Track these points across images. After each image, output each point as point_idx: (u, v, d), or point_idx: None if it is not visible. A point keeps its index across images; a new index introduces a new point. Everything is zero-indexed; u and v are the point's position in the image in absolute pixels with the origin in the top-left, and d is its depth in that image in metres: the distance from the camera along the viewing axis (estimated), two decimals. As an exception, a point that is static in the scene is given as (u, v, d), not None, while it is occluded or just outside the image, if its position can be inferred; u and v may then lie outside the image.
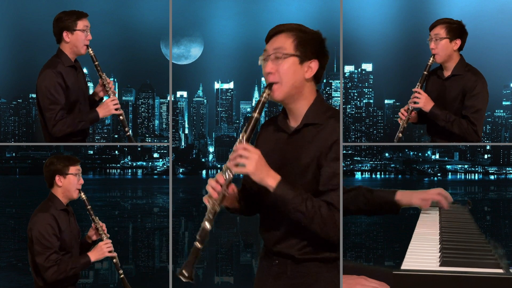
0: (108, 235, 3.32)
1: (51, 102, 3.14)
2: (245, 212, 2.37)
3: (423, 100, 3.24)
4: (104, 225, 3.33)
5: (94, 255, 3.25)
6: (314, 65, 2.20)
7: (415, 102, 3.26)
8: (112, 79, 3.42)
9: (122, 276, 3.36)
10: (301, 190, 2.10)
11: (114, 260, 3.32)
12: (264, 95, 2.16)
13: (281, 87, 2.18)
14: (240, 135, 2.12)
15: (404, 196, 2.77)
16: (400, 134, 3.35)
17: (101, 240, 3.30)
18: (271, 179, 2.09)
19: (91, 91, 3.42)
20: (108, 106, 3.27)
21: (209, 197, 2.14)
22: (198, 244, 2.12)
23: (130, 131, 3.40)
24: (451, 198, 2.84)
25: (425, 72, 3.30)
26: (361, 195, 2.82)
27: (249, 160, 2.08)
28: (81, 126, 3.22)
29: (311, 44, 2.19)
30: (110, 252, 3.28)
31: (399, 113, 3.34)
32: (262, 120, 2.29)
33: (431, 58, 3.26)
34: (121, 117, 3.32)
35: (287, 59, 2.17)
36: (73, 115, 3.20)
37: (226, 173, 2.12)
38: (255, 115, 2.14)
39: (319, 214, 2.07)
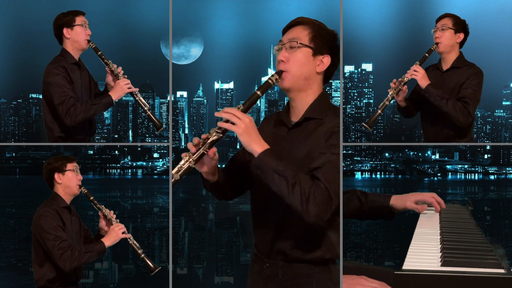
0: (118, 220, 3.31)
1: (60, 92, 3.17)
2: (220, 191, 2.33)
3: (421, 75, 3.29)
4: (112, 212, 3.33)
5: (108, 240, 3.25)
6: (326, 60, 2.21)
7: (412, 74, 3.30)
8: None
9: (143, 255, 3.33)
10: (286, 161, 2.08)
11: (130, 242, 3.29)
12: (273, 78, 2.16)
13: (290, 76, 2.19)
14: (237, 107, 2.12)
15: (398, 200, 2.79)
16: (387, 102, 3.39)
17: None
18: (258, 146, 2.08)
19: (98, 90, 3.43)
20: (121, 87, 3.27)
21: (189, 153, 2.12)
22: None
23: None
24: (444, 204, 2.86)
25: (427, 54, 3.36)
26: (355, 198, 2.81)
27: (240, 120, 2.06)
28: (94, 109, 3.23)
29: (326, 39, 2.21)
30: (123, 233, 3.27)
31: (391, 84, 3.37)
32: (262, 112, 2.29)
33: (434, 45, 3.34)
34: (136, 97, 3.32)
35: (300, 49, 2.19)
36: (86, 101, 3.22)
37: (213, 133, 2.10)
38: (258, 92, 2.14)
39: (300, 184, 2.03)
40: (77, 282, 3.30)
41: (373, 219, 2.83)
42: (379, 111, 3.41)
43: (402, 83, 3.36)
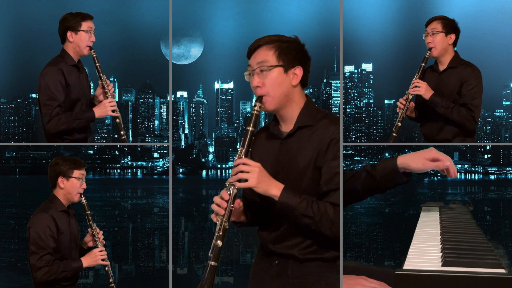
0: (104, 242, 3.31)
1: (48, 98, 3.16)
2: (252, 224, 2.39)
3: (423, 88, 3.32)
4: (101, 232, 3.32)
5: (87, 261, 3.24)
6: (298, 71, 2.22)
7: (415, 90, 3.33)
8: (112, 79, 3.43)
9: (112, 285, 3.34)
10: (305, 195, 2.10)
11: (106, 268, 3.30)
12: (256, 108, 2.20)
13: (270, 98, 2.21)
14: (239, 151, 2.15)
15: (408, 160, 2.51)
16: (400, 124, 3.40)
17: (96, 246, 3.29)
18: (275, 189, 2.12)
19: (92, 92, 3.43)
20: (105, 107, 3.29)
21: (216, 214, 2.16)
22: (213, 263, 2.13)
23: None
24: (456, 174, 2.58)
25: (423, 64, 3.40)
26: (363, 173, 2.66)
27: (251, 174, 2.11)
28: (76, 124, 3.23)
29: (292, 51, 2.22)
30: (103, 260, 3.27)
31: (398, 103, 3.40)
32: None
33: (428, 52, 3.36)
34: (117, 120, 3.33)
35: (271, 70, 2.20)
36: (70, 112, 3.21)
37: (230, 189, 2.14)
38: (250, 128, 2.18)
39: (326, 216, 2.09)
40: (76, 282, 3.30)
41: (392, 187, 2.64)
42: (394, 134, 3.42)
43: (408, 101, 3.39)
